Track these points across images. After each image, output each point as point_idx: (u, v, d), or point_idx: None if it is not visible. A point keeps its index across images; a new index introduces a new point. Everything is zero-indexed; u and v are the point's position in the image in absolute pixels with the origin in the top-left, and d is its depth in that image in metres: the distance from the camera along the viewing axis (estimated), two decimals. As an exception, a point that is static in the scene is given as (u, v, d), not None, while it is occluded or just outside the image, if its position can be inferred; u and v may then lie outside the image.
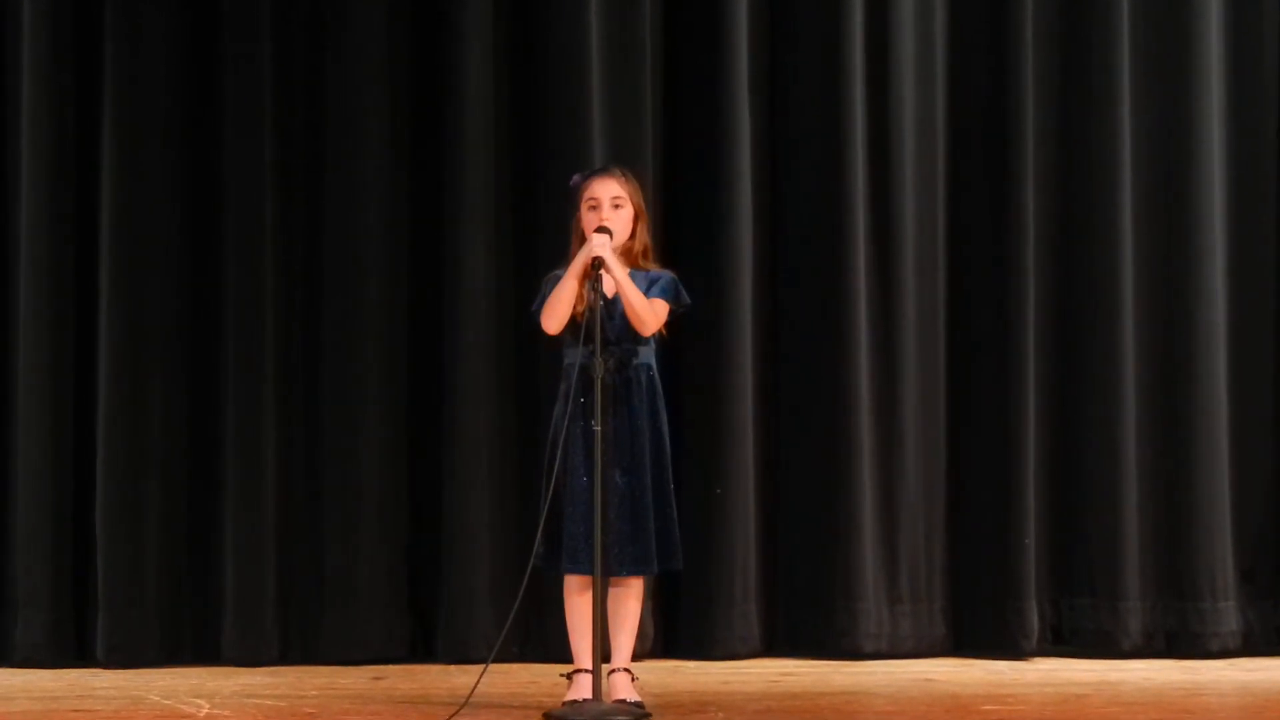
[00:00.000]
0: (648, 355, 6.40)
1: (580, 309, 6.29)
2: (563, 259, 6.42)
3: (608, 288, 6.28)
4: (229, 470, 7.53)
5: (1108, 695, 6.94)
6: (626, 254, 6.39)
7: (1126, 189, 7.90)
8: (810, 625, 7.75)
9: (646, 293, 6.34)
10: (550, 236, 7.24)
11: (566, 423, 6.26)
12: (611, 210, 6.37)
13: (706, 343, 7.66)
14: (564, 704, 6.28)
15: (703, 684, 7.12)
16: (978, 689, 7.07)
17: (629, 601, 6.38)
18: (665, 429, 6.40)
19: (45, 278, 7.52)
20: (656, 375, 6.42)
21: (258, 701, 6.66)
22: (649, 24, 7.77)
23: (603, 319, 6.23)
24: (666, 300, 6.38)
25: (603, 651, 6.22)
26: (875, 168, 7.83)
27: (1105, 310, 7.88)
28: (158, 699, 6.73)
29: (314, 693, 6.89)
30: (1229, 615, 7.85)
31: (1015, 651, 7.74)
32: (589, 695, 6.20)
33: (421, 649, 7.60)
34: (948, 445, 7.87)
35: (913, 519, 7.81)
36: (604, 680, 6.23)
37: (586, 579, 6.23)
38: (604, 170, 6.51)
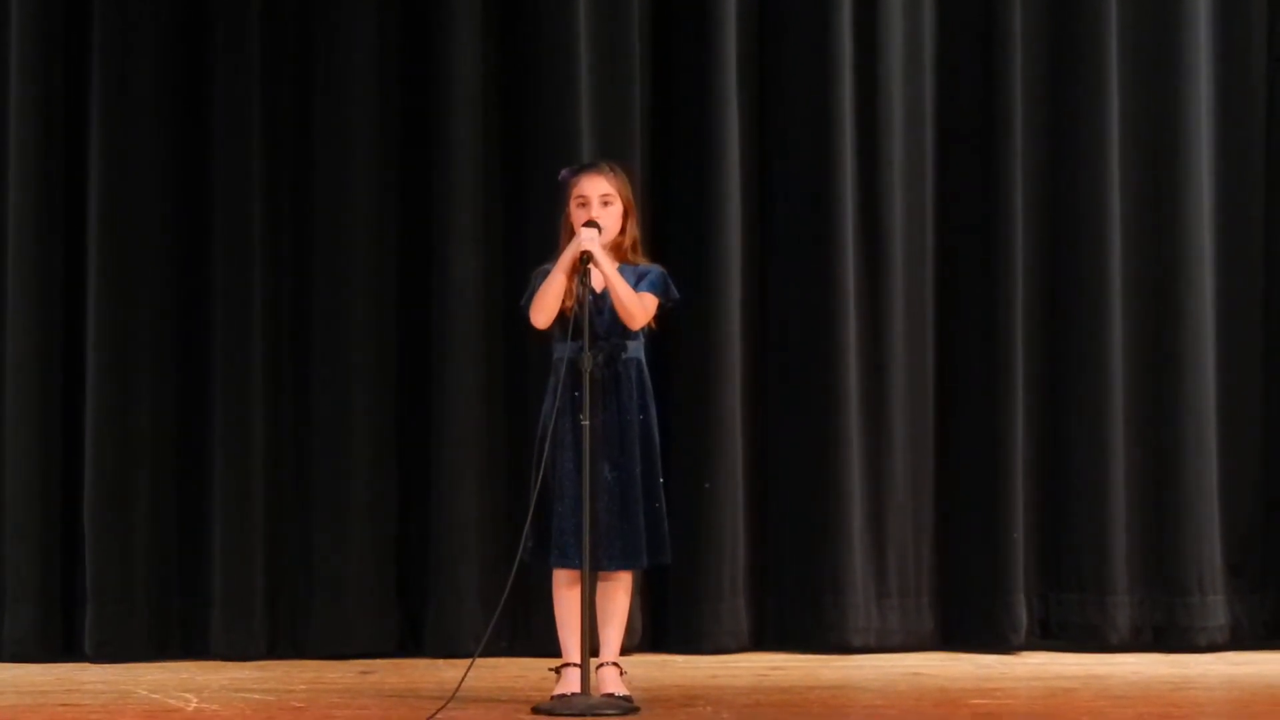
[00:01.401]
0: (637, 350, 6.40)
1: (569, 304, 6.29)
2: (551, 254, 6.42)
3: (596, 282, 6.28)
4: (217, 465, 7.53)
5: (1096, 689, 6.95)
6: (616, 249, 6.39)
7: (1115, 183, 7.90)
8: (799, 620, 7.76)
9: (635, 287, 6.34)
10: (539, 231, 7.25)
11: (555, 417, 6.26)
12: (600, 207, 6.36)
13: (695, 337, 7.66)
14: (552, 698, 6.29)
15: (691, 678, 7.12)
16: (966, 683, 7.07)
17: (617, 596, 6.38)
18: (654, 423, 6.40)
19: (33, 273, 7.51)
20: (645, 370, 6.42)
21: (246, 696, 6.66)
22: (638, 19, 7.76)
23: (591, 313, 6.24)
24: (655, 294, 6.38)
25: (591, 645, 6.22)
26: (864, 163, 7.83)
27: (1093, 304, 7.88)
28: (146, 693, 6.73)
29: (302, 687, 6.89)
30: (1217, 609, 7.86)
31: (1003, 646, 7.75)
32: (577, 689, 6.20)
33: (410, 643, 7.60)
34: (936, 440, 7.87)
35: (901, 514, 7.81)
36: (592, 674, 6.23)
37: (575, 573, 6.23)
38: (593, 166, 6.50)
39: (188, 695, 6.66)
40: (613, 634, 6.37)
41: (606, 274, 6.26)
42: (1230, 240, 8.03)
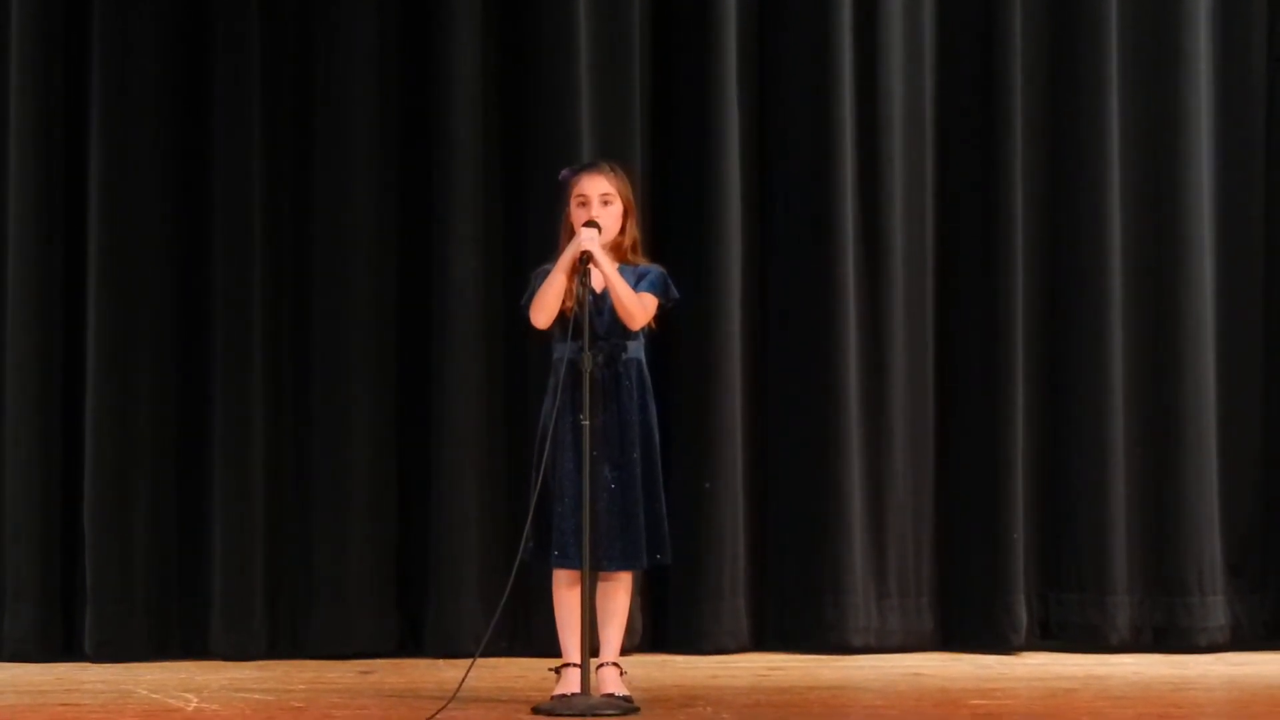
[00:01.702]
0: (637, 350, 6.40)
1: (569, 304, 6.29)
2: (551, 254, 6.42)
3: (596, 282, 6.28)
4: (217, 464, 7.53)
5: (1096, 689, 6.95)
6: (616, 249, 6.39)
7: (1115, 183, 7.90)
8: (799, 620, 7.75)
9: (635, 287, 6.34)
10: (539, 231, 7.25)
11: (555, 417, 6.26)
12: (601, 207, 6.36)
13: (695, 337, 7.66)
14: (552, 698, 6.29)
15: (691, 678, 7.12)
16: (966, 683, 7.07)
17: (617, 596, 6.38)
18: (654, 423, 6.39)
19: (34, 272, 7.51)
20: (646, 370, 6.42)
21: (246, 695, 6.66)
22: (638, 17, 7.76)
23: (591, 313, 6.23)
24: (655, 295, 6.37)
25: (591, 646, 6.22)
26: (864, 162, 7.82)
27: (1093, 304, 7.88)
28: (146, 693, 6.73)
29: (302, 687, 6.89)
30: (1217, 609, 7.86)
31: (1003, 646, 7.75)
32: (577, 689, 6.20)
33: (410, 643, 7.60)
34: (936, 440, 7.87)
35: (901, 514, 7.81)
36: (592, 674, 6.23)
37: (575, 573, 6.23)
38: (594, 166, 6.50)
39: (188, 695, 6.66)
40: (613, 634, 6.37)
41: (606, 274, 6.26)
42: (1230, 239, 8.03)
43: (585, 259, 6.22)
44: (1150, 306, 7.95)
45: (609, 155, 6.99)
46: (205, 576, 7.52)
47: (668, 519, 6.40)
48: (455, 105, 7.62)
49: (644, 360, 6.42)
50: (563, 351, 6.30)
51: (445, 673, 7.04)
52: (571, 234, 6.34)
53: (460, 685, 6.26)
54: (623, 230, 6.40)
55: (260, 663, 7.40)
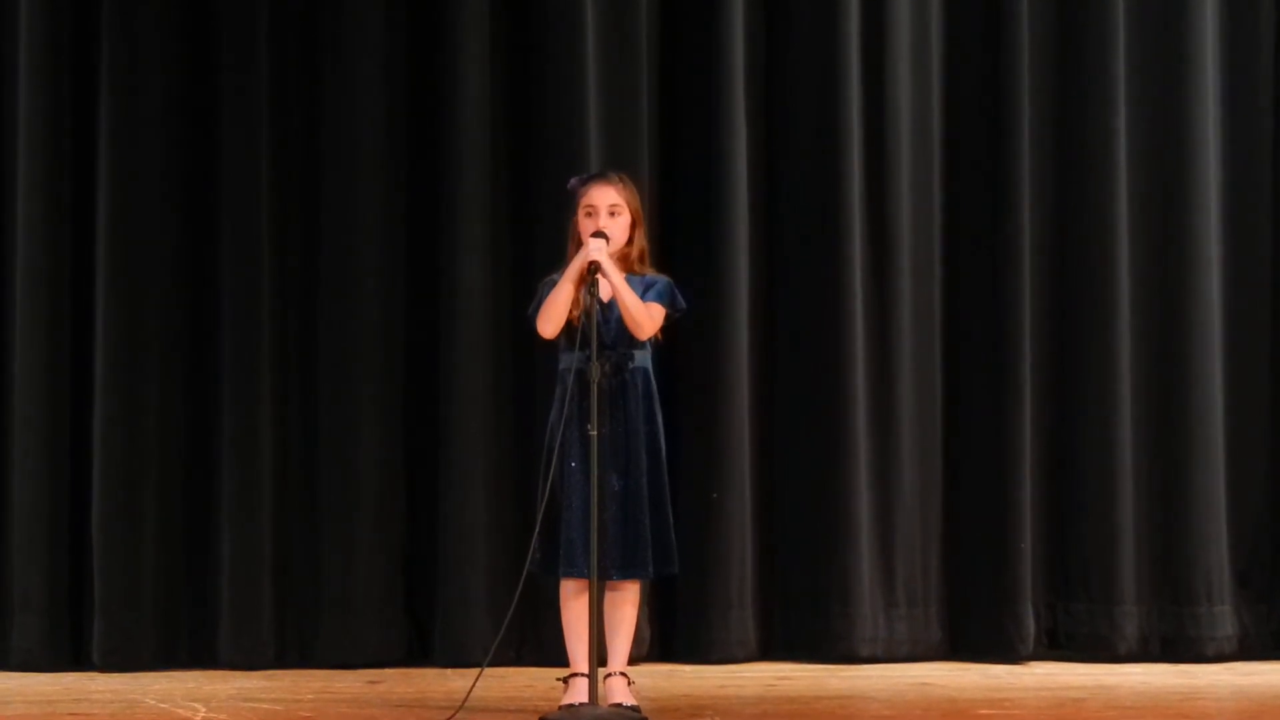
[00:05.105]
0: (644, 359, 6.40)
1: (576, 313, 6.29)
2: (559, 263, 6.42)
3: (604, 292, 6.28)
4: (225, 473, 7.54)
5: (1104, 699, 6.94)
6: (623, 260, 6.39)
7: (1122, 191, 7.91)
8: (807, 629, 7.76)
9: (642, 297, 6.34)
10: (546, 240, 7.26)
11: (562, 427, 6.26)
12: (609, 218, 6.36)
13: (702, 347, 7.67)
14: (560, 708, 6.28)
15: (699, 688, 7.13)
16: (974, 693, 7.07)
17: (625, 605, 6.38)
18: (661, 433, 6.39)
19: (42, 282, 7.52)
20: (653, 379, 6.41)
21: (254, 705, 6.66)
22: (645, 26, 7.77)
23: (599, 323, 6.23)
24: (662, 304, 6.38)
25: (599, 655, 6.22)
26: (871, 170, 7.84)
27: (1101, 313, 7.88)
28: (154, 702, 6.73)
29: (310, 696, 6.89)
30: (1225, 619, 7.86)
31: (1011, 655, 7.75)
32: (585, 699, 6.20)
33: (418, 652, 7.60)
34: (944, 449, 7.88)
35: (909, 523, 7.81)
36: (600, 684, 6.23)
37: (583, 583, 6.23)
38: (603, 176, 6.50)
39: (195, 705, 6.66)
40: (620, 643, 6.37)
41: (614, 284, 6.26)
42: (1238, 250, 8.03)
43: (593, 269, 6.22)
44: (1158, 316, 7.95)
45: (616, 165, 6.99)
46: (213, 586, 7.53)
47: (675, 528, 6.40)
48: (463, 115, 7.63)
49: (651, 370, 6.42)
50: (570, 361, 6.31)
51: (453, 682, 7.05)
52: (579, 244, 6.34)
53: (468, 695, 6.27)
54: (630, 240, 6.41)
55: (268, 672, 7.41)
